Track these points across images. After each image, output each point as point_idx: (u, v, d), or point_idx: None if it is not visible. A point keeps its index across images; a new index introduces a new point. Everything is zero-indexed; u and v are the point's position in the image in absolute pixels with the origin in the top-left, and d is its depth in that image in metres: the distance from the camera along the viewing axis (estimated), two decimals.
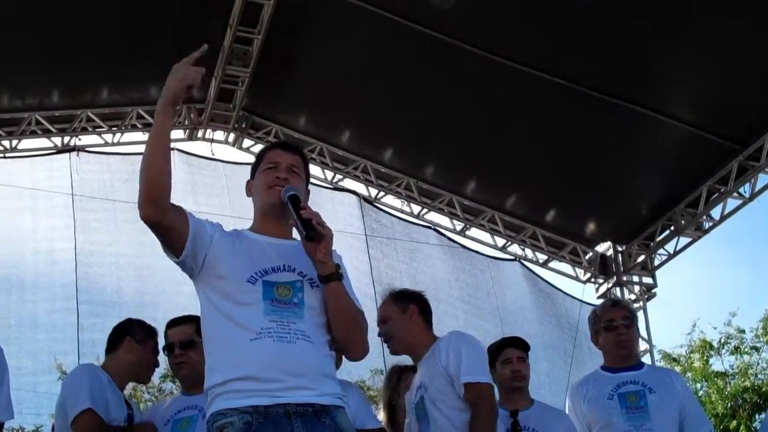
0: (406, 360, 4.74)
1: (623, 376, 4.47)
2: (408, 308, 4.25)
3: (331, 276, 2.97)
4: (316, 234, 2.90)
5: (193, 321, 4.10)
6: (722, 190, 9.80)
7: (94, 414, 4.01)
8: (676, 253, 10.80)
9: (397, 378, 5.00)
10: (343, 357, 3.34)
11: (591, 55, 8.60)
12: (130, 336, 4.43)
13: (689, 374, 17.36)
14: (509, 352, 4.63)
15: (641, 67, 8.55)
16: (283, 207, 3.07)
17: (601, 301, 11.15)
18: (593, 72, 8.76)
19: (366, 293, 9.12)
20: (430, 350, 4.13)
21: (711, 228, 10.34)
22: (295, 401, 2.81)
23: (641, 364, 4.77)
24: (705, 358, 17.78)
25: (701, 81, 8.70)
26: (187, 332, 4.24)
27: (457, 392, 3.94)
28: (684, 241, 10.63)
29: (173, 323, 4.39)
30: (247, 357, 2.84)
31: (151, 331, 4.52)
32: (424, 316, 4.29)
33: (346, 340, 3.05)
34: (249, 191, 3.26)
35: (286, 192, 3.04)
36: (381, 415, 4.99)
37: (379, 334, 4.29)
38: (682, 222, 10.28)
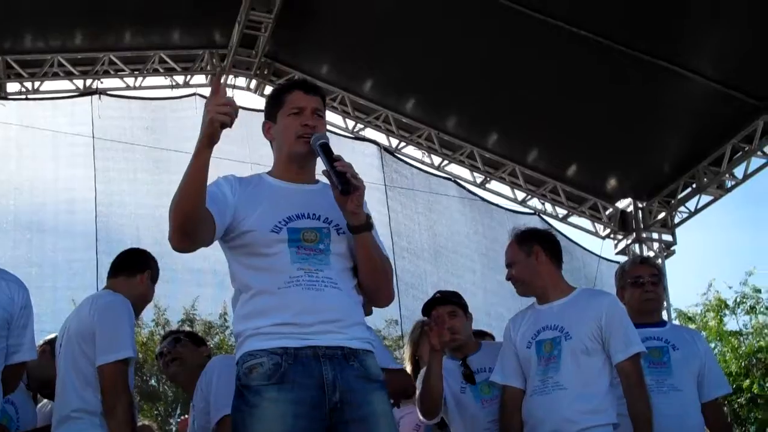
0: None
1: (646, 332, 4.42)
2: (533, 250, 4.20)
3: (362, 226, 2.97)
4: (350, 187, 2.89)
5: None
6: (746, 149, 9.68)
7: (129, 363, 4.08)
8: (697, 211, 10.72)
9: (419, 332, 5.07)
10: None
11: (616, 9, 8.48)
12: (149, 270, 4.47)
13: (703, 333, 17.37)
14: (439, 311, 4.50)
15: (667, 22, 8.42)
16: (309, 155, 3.05)
17: (620, 257, 11.16)
18: (618, 26, 8.64)
19: (384, 245, 9.13)
20: (573, 297, 4.11)
21: (733, 187, 10.24)
22: (325, 344, 2.86)
23: (664, 322, 4.77)
24: (720, 317, 17.78)
25: (728, 38, 8.57)
26: None
27: (612, 359, 3.94)
28: (705, 199, 10.54)
29: None
30: (278, 305, 2.87)
31: (158, 275, 4.55)
32: (551, 254, 4.23)
33: (374, 289, 3.08)
34: (268, 133, 3.21)
35: (316, 140, 3.01)
36: (408, 368, 5.07)
37: (508, 278, 4.27)
38: (705, 180, 10.20)
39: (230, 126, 2.79)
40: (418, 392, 4.38)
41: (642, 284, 4.65)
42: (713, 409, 4.56)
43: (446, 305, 4.55)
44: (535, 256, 4.20)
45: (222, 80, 2.97)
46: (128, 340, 4.09)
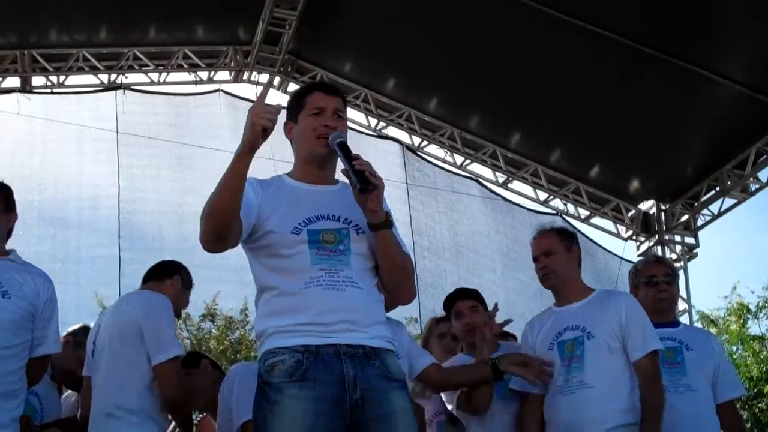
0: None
1: (660, 332, 4.40)
2: (572, 248, 4.25)
3: (382, 224, 2.98)
4: (369, 185, 2.90)
5: None
6: None
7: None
8: (720, 214, 10.65)
9: (428, 330, 5.15)
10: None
11: (642, 9, 8.44)
12: (179, 275, 4.56)
13: (725, 336, 17.26)
14: (459, 305, 4.60)
15: (694, 24, 8.36)
16: (329, 156, 3.06)
17: (641, 258, 11.11)
18: (644, 27, 8.60)
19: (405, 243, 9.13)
20: (593, 299, 4.13)
21: (757, 190, 10.17)
22: (346, 342, 2.87)
23: (677, 323, 4.75)
24: (742, 321, 17.67)
25: (755, 40, 8.51)
26: None
27: (630, 357, 3.96)
28: (729, 202, 10.48)
29: None
30: (299, 306, 2.89)
31: (191, 283, 4.67)
32: (580, 258, 4.29)
33: (395, 286, 3.09)
34: (289, 134, 3.22)
35: (334, 139, 3.02)
36: None
37: (541, 265, 4.29)
38: (728, 183, 10.13)
39: (270, 131, 2.81)
40: (460, 392, 4.37)
41: (656, 284, 4.63)
42: (727, 410, 4.54)
43: (467, 300, 4.59)
44: (573, 253, 4.24)
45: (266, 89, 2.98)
46: (175, 338, 4.27)
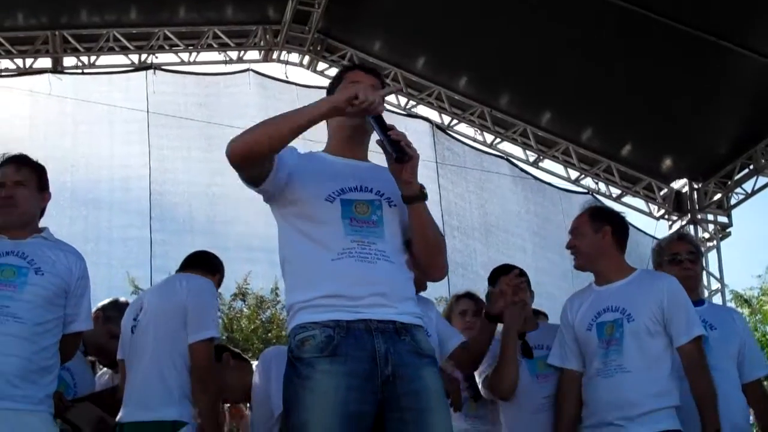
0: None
1: None
2: (602, 229, 4.17)
3: (417, 197, 2.97)
4: (405, 155, 2.89)
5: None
6: None
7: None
8: (754, 192, 10.57)
9: (449, 307, 5.13)
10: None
11: None
12: (220, 274, 4.65)
13: (758, 316, 17.10)
14: (504, 281, 4.51)
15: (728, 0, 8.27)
16: (363, 130, 3.06)
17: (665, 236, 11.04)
18: (679, 4, 8.50)
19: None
20: (634, 278, 4.09)
21: None
22: (377, 317, 2.86)
23: (702, 301, 4.66)
24: None
25: None
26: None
27: (675, 342, 3.92)
28: (763, 180, 10.39)
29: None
30: (330, 276, 2.88)
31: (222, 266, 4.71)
32: (618, 238, 4.20)
33: (428, 261, 3.08)
34: None
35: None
36: None
37: (567, 246, 4.27)
38: (762, 161, 10.03)
39: (358, 105, 2.78)
40: (488, 372, 4.36)
41: (680, 261, 4.57)
42: (754, 389, 4.48)
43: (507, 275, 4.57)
44: (602, 234, 4.16)
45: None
46: (215, 322, 4.32)
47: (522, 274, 4.52)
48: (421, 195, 2.98)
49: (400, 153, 2.88)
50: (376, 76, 3.22)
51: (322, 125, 3.14)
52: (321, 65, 11.19)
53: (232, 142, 2.85)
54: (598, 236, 4.17)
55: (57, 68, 10.30)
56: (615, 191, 11.44)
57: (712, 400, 3.87)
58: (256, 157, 2.85)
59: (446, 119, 11.32)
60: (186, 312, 4.16)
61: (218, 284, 4.64)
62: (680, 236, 5.35)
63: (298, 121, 2.83)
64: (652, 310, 3.93)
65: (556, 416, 4.17)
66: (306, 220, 2.96)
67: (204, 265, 4.56)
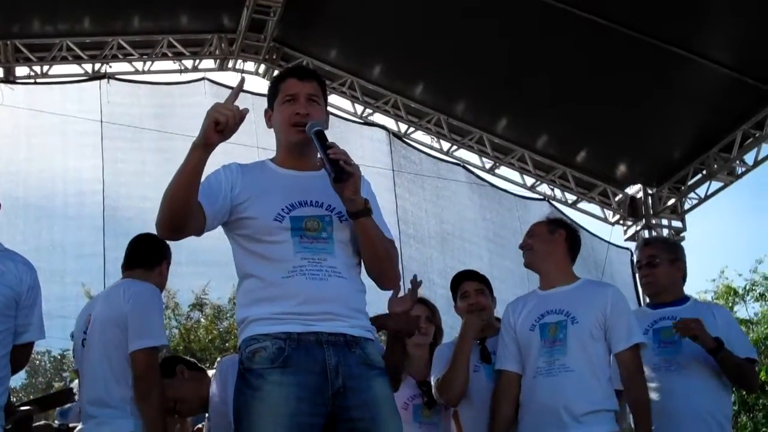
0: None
1: (662, 312, 4.53)
2: (557, 231, 4.31)
3: (360, 212, 2.97)
4: (344, 174, 2.89)
5: None
6: (757, 135, 9.64)
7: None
8: (707, 197, 10.68)
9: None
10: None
11: None
12: (166, 260, 4.51)
13: None
14: (466, 286, 4.63)
15: (679, 6, 8.36)
16: (307, 143, 3.05)
17: (629, 243, 11.18)
18: (628, 10, 8.58)
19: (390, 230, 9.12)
20: (579, 286, 4.19)
21: (744, 173, 10.20)
22: (328, 330, 2.88)
23: (684, 300, 4.69)
24: (729, 304, 17.71)
25: (740, 23, 8.51)
26: None
27: (613, 349, 4.01)
28: (716, 185, 10.51)
29: None
30: (281, 295, 2.89)
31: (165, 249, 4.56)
32: (570, 245, 4.32)
33: (379, 273, 3.10)
34: (269, 122, 3.23)
35: (311, 128, 3.01)
36: None
37: (521, 246, 4.35)
38: (715, 166, 10.16)
39: (225, 128, 2.75)
40: (440, 377, 4.39)
41: (640, 268, 4.79)
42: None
43: (474, 281, 4.65)
44: (556, 236, 4.29)
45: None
46: (160, 329, 4.19)
47: (483, 280, 4.61)
48: (365, 210, 2.98)
49: (339, 172, 2.88)
50: (312, 79, 3.20)
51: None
52: (277, 74, 11.14)
53: (156, 224, 2.87)
54: (552, 237, 4.29)
55: (9, 78, 10.16)
56: (570, 197, 11.51)
57: (645, 406, 3.97)
58: (182, 219, 2.86)
59: (403, 127, 11.33)
60: (126, 322, 4.07)
61: (167, 269, 4.51)
62: (645, 242, 5.52)
63: (184, 177, 2.80)
64: (596, 316, 4.02)
65: (491, 417, 4.22)
66: (255, 242, 2.98)
67: (143, 262, 4.42)
